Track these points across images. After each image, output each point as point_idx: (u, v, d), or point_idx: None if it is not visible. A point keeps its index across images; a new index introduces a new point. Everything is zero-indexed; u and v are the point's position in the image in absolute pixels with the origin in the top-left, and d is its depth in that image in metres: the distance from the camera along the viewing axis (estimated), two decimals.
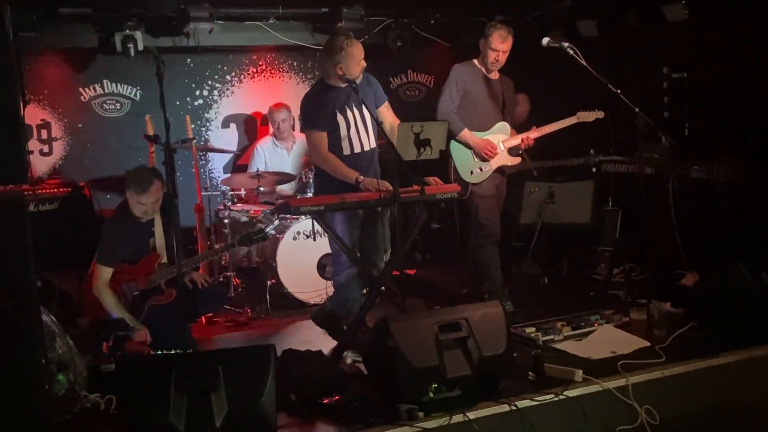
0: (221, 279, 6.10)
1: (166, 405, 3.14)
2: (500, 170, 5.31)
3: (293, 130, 6.84)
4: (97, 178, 6.72)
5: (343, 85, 4.47)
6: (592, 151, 6.05)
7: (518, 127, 5.58)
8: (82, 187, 6.20)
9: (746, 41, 5.39)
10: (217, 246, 6.03)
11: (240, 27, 6.81)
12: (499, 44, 5.08)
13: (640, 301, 4.92)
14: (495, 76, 5.29)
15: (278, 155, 6.75)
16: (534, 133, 5.37)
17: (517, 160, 5.40)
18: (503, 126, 5.30)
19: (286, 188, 6.55)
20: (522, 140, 5.31)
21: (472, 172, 5.19)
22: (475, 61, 5.26)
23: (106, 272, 4.62)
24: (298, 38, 6.97)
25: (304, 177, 6.19)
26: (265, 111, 7.09)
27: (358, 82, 4.44)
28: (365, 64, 4.50)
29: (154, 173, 4.67)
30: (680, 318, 4.61)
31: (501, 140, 5.26)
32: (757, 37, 5.32)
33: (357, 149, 4.55)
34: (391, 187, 4.20)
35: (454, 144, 5.14)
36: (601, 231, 5.69)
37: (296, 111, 6.38)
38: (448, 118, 5.01)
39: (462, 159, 5.18)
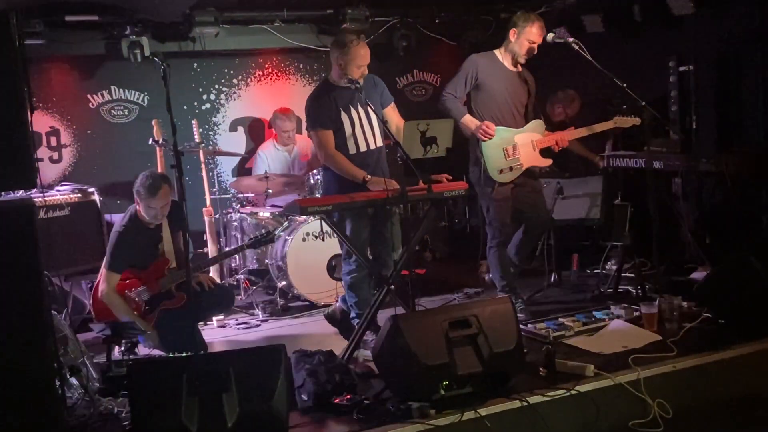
0: (232, 281, 6.11)
1: (179, 407, 3.15)
2: (529, 172, 5.01)
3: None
4: (107, 183, 6.76)
5: (346, 85, 4.47)
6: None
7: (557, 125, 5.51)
8: (92, 193, 6.23)
9: (752, 33, 5.36)
10: (227, 249, 6.06)
11: (245, 30, 6.86)
12: (538, 36, 4.79)
13: (650, 295, 4.92)
14: (518, 69, 4.99)
15: (279, 157, 6.77)
16: (569, 135, 5.07)
17: (549, 161, 5.11)
18: (538, 124, 5.00)
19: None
20: (556, 141, 5.00)
21: (501, 171, 4.91)
22: (497, 53, 4.95)
23: (113, 278, 4.66)
24: (304, 40, 7.01)
25: (311, 179, 6.20)
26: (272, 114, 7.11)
27: (360, 83, 4.44)
28: (366, 72, 4.47)
29: (163, 178, 4.72)
30: (691, 311, 4.60)
31: (534, 140, 4.97)
32: (763, 29, 5.29)
33: (363, 148, 4.56)
34: (398, 186, 4.20)
35: (485, 144, 4.85)
36: (611, 226, 5.66)
37: (302, 113, 6.39)
38: (448, 104, 4.82)
39: (493, 158, 4.89)
